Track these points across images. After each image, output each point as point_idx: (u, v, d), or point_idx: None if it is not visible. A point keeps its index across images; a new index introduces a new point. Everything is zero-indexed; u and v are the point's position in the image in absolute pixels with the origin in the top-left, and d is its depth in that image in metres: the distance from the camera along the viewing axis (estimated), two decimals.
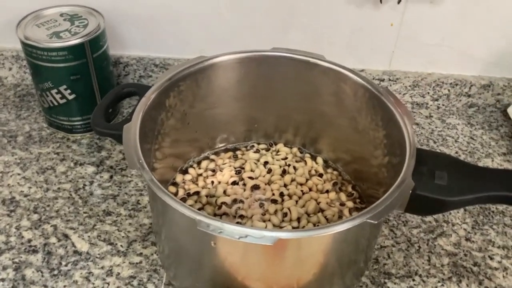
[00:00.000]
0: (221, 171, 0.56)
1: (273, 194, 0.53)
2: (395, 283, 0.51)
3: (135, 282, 0.50)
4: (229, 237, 0.35)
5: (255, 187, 0.53)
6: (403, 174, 0.41)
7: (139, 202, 0.58)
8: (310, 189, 0.55)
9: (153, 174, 0.40)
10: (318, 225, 0.51)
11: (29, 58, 0.61)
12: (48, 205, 0.57)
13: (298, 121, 0.58)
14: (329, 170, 0.58)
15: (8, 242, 0.53)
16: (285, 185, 0.55)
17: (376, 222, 0.37)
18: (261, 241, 0.35)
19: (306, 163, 0.58)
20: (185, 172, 0.56)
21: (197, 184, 0.55)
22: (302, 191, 0.54)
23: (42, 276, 0.51)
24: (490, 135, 0.70)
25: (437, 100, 0.74)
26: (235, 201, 0.53)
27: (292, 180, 0.55)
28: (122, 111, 0.71)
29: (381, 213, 0.38)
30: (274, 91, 0.56)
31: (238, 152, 0.59)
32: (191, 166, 0.57)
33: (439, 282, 0.52)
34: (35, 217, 0.56)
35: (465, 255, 0.55)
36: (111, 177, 0.61)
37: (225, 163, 0.57)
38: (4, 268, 0.51)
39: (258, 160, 0.58)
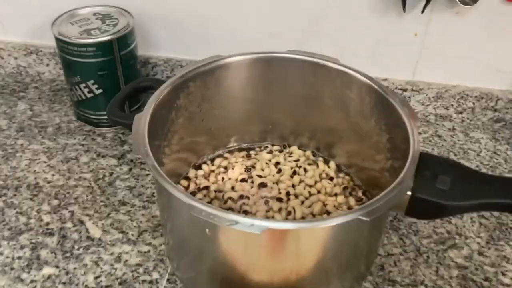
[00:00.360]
0: (233, 168, 0.57)
1: (280, 193, 0.54)
2: None
3: (141, 270, 0.52)
4: (218, 224, 0.36)
5: (262, 185, 0.54)
6: (402, 175, 0.41)
7: (154, 194, 0.60)
8: (319, 192, 0.55)
9: (162, 167, 0.41)
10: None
11: (61, 53, 0.65)
12: (68, 192, 0.60)
13: (314, 125, 0.59)
14: (341, 175, 0.58)
15: (28, 223, 0.56)
16: (293, 186, 0.55)
17: (368, 219, 0.37)
18: (250, 229, 0.36)
19: (318, 166, 0.58)
20: (198, 167, 0.58)
21: (208, 180, 0.56)
22: (309, 192, 0.54)
23: (55, 257, 0.53)
24: None
25: (461, 113, 0.72)
26: (241, 197, 0.53)
27: (301, 181, 0.56)
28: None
29: (374, 211, 0.38)
30: (288, 93, 0.56)
31: (251, 152, 0.60)
32: (205, 163, 0.59)
33: None
34: (55, 202, 0.59)
35: (476, 269, 0.53)
36: (130, 169, 0.63)
37: (237, 162, 0.58)
38: (22, 247, 0.54)
39: (269, 160, 0.58)
